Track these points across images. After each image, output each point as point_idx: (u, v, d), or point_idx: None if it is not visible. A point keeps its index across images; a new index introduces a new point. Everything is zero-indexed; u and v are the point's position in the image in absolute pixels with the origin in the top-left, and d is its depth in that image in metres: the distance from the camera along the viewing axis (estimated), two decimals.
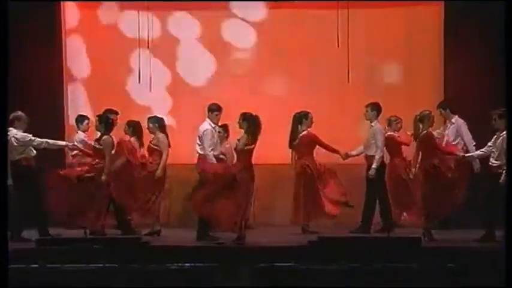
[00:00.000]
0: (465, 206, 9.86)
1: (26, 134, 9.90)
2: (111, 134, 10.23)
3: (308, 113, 10.82)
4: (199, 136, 10.39)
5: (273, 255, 8.60)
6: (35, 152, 10.03)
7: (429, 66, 12.05)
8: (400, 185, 10.65)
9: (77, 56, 12.34)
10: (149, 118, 10.71)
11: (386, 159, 10.78)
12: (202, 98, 11.52)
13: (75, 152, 10.94)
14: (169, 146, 10.45)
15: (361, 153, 10.83)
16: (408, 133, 10.54)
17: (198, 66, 12.35)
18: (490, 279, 7.78)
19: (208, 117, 10.50)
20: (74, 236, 9.59)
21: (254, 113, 9.57)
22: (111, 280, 8.05)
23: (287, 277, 8.11)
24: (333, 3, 11.61)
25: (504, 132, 9.38)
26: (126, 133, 10.85)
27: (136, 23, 11.75)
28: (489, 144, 9.69)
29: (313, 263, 8.28)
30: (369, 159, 10.66)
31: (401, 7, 12.16)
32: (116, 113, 10.85)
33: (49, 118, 11.51)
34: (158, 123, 10.54)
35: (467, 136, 10.74)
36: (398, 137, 10.79)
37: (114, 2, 12.35)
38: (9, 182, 9.19)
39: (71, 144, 10.70)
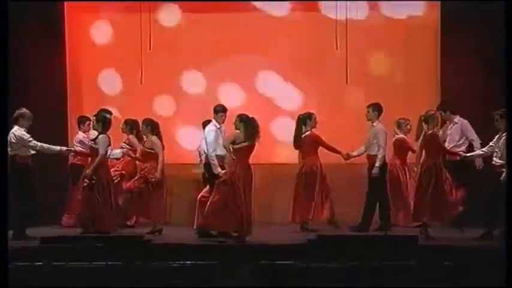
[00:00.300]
0: (466, 204, 9.86)
1: (24, 133, 9.85)
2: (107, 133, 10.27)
3: (312, 113, 10.87)
4: (205, 137, 10.49)
5: (273, 254, 8.64)
6: (32, 151, 9.99)
7: (427, 67, 12.10)
8: (397, 186, 10.79)
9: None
10: (143, 121, 10.66)
11: (387, 158, 10.79)
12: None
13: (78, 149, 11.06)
14: (163, 147, 10.43)
15: (362, 153, 10.79)
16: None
17: None
18: (489, 278, 7.82)
19: (214, 118, 10.59)
20: (77, 235, 9.66)
21: (250, 116, 9.63)
22: (114, 278, 8.15)
23: (287, 275, 8.19)
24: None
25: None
26: (123, 131, 10.94)
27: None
28: (491, 143, 9.71)
29: (312, 261, 8.35)
30: (371, 158, 10.63)
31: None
32: (110, 113, 10.85)
33: (49, 118, 11.52)
34: (151, 126, 10.48)
35: (473, 134, 10.68)
36: (409, 142, 10.88)
37: (114, 2, 12.42)
38: None
39: (64, 148, 10.60)
